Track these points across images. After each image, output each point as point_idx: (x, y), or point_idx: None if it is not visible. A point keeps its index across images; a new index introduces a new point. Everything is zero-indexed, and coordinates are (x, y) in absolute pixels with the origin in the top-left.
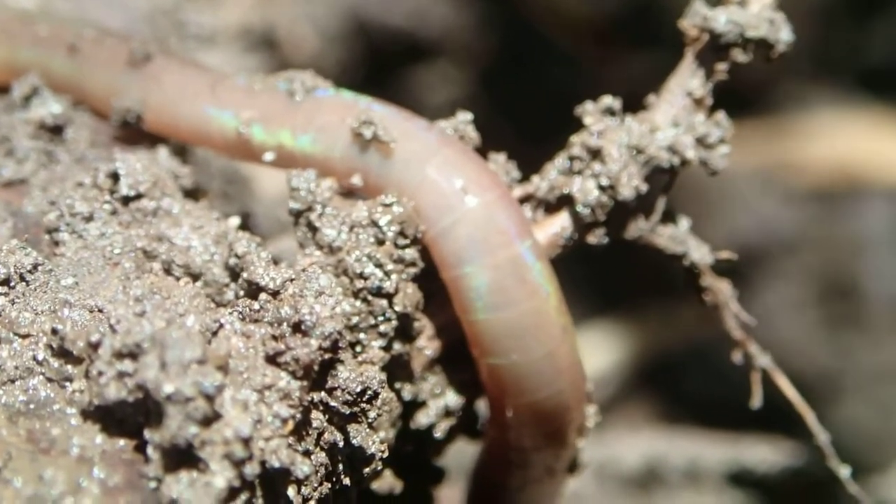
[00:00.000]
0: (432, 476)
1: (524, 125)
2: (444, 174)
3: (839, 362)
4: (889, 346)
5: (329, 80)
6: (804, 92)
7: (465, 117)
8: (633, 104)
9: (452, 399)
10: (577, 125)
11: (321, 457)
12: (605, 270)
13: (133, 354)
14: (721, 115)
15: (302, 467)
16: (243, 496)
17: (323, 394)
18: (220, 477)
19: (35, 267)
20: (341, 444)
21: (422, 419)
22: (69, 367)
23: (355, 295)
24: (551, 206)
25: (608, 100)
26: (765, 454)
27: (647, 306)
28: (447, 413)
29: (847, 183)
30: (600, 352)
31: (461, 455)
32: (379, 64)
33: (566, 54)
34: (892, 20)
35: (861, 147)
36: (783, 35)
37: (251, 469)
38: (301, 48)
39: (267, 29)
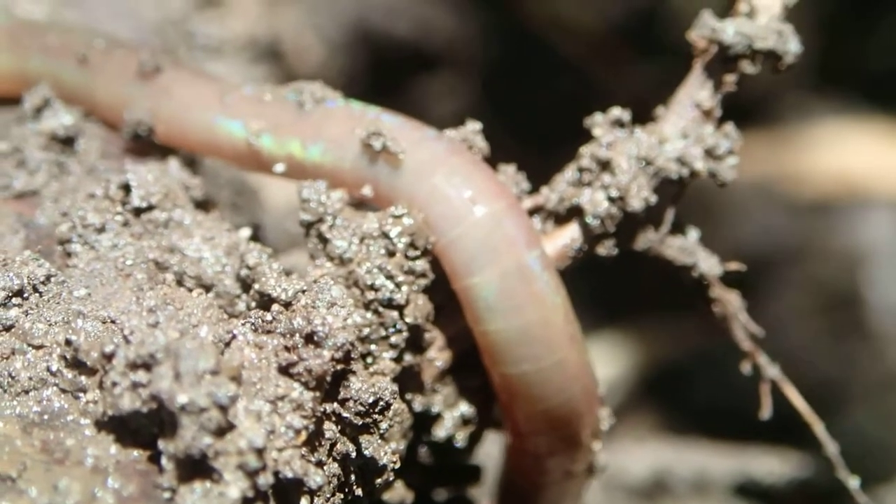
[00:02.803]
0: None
1: (528, 136)
2: (453, 184)
3: (843, 372)
4: (893, 355)
5: (335, 90)
6: (807, 103)
7: (473, 127)
8: (639, 114)
9: (466, 408)
10: (583, 136)
11: (334, 467)
12: (610, 281)
13: (147, 365)
14: (730, 127)
15: (315, 478)
16: None
17: (335, 405)
18: (234, 487)
19: (48, 278)
20: (353, 454)
21: (439, 432)
22: (83, 377)
23: (366, 306)
24: (561, 218)
25: (617, 111)
26: (772, 465)
27: (652, 317)
28: (464, 422)
29: (850, 193)
30: (606, 362)
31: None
32: (384, 74)
33: (571, 65)
34: (895, 31)
35: (864, 157)
36: (791, 46)
37: (265, 480)
38: (306, 59)
39: (273, 40)
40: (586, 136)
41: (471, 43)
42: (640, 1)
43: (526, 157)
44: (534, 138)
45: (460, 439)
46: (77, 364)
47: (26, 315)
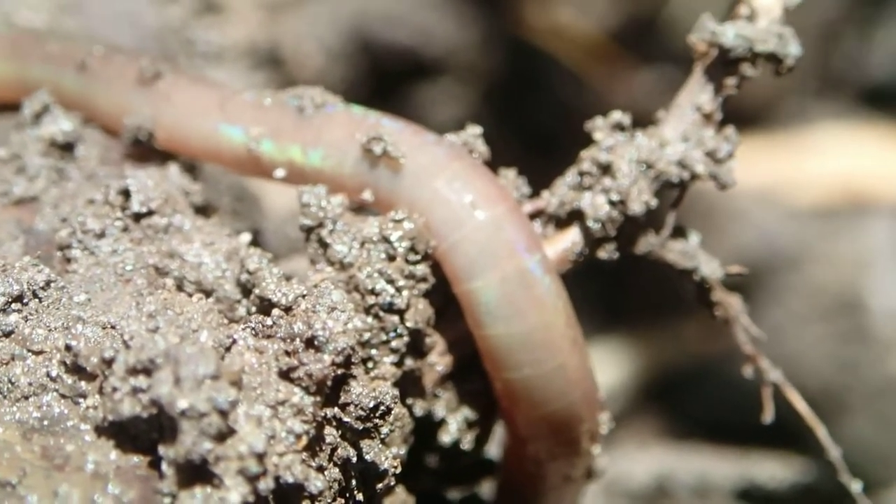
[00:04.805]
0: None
1: (528, 142)
2: (454, 188)
3: (844, 378)
4: (894, 360)
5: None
6: (808, 108)
7: (474, 131)
8: (638, 121)
9: (469, 412)
10: (582, 142)
11: (334, 472)
12: (612, 286)
13: (147, 370)
14: (730, 130)
15: (316, 483)
16: None
17: (336, 409)
18: (235, 492)
19: (48, 284)
20: (354, 459)
21: (445, 438)
22: (83, 383)
23: (367, 311)
24: (562, 222)
25: (617, 115)
26: (774, 470)
27: (654, 322)
28: (469, 425)
29: (851, 199)
30: (607, 368)
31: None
32: (383, 81)
33: (570, 71)
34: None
35: (865, 163)
36: (792, 49)
37: (265, 484)
38: (306, 66)
39: (273, 47)
40: (586, 142)
41: (470, 50)
42: (639, 8)
43: (524, 163)
44: (533, 144)
45: (467, 442)
46: (77, 369)
47: (26, 320)
